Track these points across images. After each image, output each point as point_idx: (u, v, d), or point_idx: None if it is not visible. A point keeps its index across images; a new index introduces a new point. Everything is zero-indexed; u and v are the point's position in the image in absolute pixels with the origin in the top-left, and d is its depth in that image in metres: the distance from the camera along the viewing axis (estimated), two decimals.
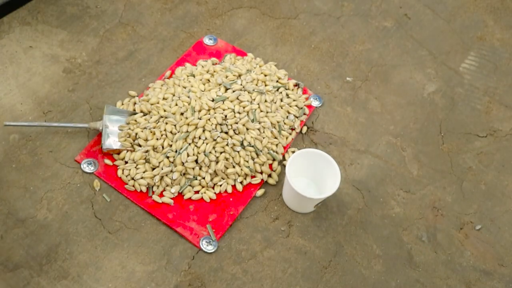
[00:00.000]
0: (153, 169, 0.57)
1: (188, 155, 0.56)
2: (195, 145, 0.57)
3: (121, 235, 0.53)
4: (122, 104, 0.62)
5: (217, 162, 0.57)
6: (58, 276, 0.50)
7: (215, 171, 0.57)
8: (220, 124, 0.58)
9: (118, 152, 0.58)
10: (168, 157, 0.56)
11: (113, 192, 0.56)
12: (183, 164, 0.56)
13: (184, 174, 0.56)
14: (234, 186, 0.58)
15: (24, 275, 0.50)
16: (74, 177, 0.57)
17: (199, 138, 0.57)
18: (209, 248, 0.53)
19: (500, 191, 0.62)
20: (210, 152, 0.57)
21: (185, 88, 0.62)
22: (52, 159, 0.58)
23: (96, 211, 0.55)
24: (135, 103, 0.62)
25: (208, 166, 0.57)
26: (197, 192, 0.57)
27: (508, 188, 0.62)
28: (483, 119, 0.68)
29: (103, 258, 0.52)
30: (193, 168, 0.56)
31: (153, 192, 0.56)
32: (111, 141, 0.58)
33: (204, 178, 0.57)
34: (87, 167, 0.57)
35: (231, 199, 0.57)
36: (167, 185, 0.56)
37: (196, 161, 0.56)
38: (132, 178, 0.56)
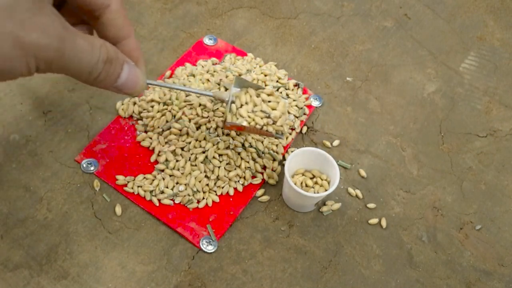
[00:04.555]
0: (153, 180, 0.56)
1: (196, 178, 0.56)
2: (195, 157, 0.57)
3: (121, 235, 0.53)
4: (122, 104, 0.62)
5: (219, 167, 0.57)
6: (58, 276, 0.50)
7: (217, 176, 0.57)
8: (221, 127, 0.58)
9: (242, 128, 0.52)
10: (171, 176, 0.56)
11: (113, 192, 0.56)
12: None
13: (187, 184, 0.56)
14: (235, 187, 0.58)
15: (24, 275, 0.50)
16: (74, 177, 0.57)
17: (202, 152, 0.57)
18: (209, 248, 0.53)
19: (500, 191, 0.62)
20: (213, 157, 0.57)
21: (184, 86, 0.62)
22: (52, 159, 0.58)
23: (96, 211, 0.55)
24: (135, 103, 0.62)
25: (212, 171, 0.57)
26: (199, 201, 0.56)
27: (508, 188, 0.62)
28: (483, 119, 0.68)
29: (103, 258, 0.52)
30: (200, 181, 0.56)
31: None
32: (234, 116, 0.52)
33: (207, 184, 0.57)
34: (87, 167, 0.57)
35: (231, 199, 0.57)
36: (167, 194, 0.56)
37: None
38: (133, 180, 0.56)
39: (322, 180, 0.57)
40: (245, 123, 0.51)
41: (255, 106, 0.52)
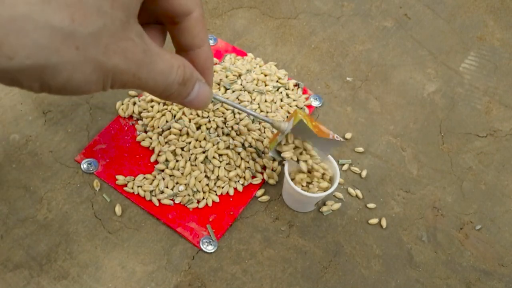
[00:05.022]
0: (153, 180, 0.56)
1: (196, 178, 0.56)
2: (195, 157, 0.57)
3: (121, 235, 0.53)
4: (122, 104, 0.62)
5: (219, 167, 0.57)
6: (58, 276, 0.50)
7: (217, 176, 0.57)
8: (221, 127, 0.58)
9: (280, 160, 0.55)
10: (171, 176, 0.56)
11: (113, 192, 0.56)
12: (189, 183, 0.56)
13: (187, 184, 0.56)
14: (235, 187, 0.58)
15: (24, 275, 0.50)
16: (74, 177, 0.57)
17: (203, 152, 0.57)
18: (209, 248, 0.53)
19: (500, 191, 0.62)
20: (213, 157, 0.57)
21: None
22: (52, 159, 0.58)
23: (96, 211, 0.55)
24: (134, 103, 0.62)
25: (212, 171, 0.57)
26: (199, 201, 0.56)
27: (508, 188, 0.62)
28: (483, 119, 0.68)
29: (103, 258, 0.52)
30: (200, 181, 0.56)
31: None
32: (276, 154, 0.53)
33: (207, 184, 0.56)
34: (87, 167, 0.57)
35: (231, 199, 0.57)
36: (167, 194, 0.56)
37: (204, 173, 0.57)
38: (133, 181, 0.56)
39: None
40: (288, 155, 0.53)
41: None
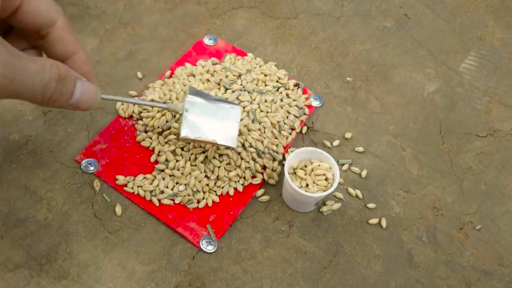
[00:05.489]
0: (153, 180, 0.56)
1: (196, 178, 0.56)
2: (195, 157, 0.57)
3: (121, 235, 0.53)
4: (122, 104, 0.62)
5: (219, 167, 0.57)
6: (58, 276, 0.50)
7: (217, 176, 0.57)
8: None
9: (196, 142, 0.53)
10: (171, 176, 0.56)
11: (113, 192, 0.56)
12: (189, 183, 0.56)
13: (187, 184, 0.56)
14: (235, 187, 0.58)
15: (24, 275, 0.50)
16: (74, 177, 0.57)
17: (202, 152, 0.57)
18: (209, 248, 0.53)
19: (500, 191, 0.62)
20: (213, 157, 0.57)
21: (184, 86, 0.62)
22: (52, 159, 0.58)
23: (96, 211, 0.55)
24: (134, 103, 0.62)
25: (212, 171, 0.57)
26: (199, 201, 0.56)
27: (508, 188, 0.62)
28: (483, 119, 0.68)
29: (103, 258, 0.52)
30: (200, 181, 0.56)
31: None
32: (189, 129, 0.52)
33: (207, 184, 0.56)
34: (87, 167, 0.57)
35: (231, 199, 0.57)
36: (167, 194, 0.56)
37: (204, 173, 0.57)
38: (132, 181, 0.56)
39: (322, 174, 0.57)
40: (197, 135, 0.52)
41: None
